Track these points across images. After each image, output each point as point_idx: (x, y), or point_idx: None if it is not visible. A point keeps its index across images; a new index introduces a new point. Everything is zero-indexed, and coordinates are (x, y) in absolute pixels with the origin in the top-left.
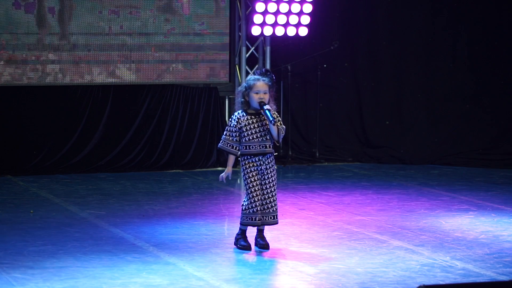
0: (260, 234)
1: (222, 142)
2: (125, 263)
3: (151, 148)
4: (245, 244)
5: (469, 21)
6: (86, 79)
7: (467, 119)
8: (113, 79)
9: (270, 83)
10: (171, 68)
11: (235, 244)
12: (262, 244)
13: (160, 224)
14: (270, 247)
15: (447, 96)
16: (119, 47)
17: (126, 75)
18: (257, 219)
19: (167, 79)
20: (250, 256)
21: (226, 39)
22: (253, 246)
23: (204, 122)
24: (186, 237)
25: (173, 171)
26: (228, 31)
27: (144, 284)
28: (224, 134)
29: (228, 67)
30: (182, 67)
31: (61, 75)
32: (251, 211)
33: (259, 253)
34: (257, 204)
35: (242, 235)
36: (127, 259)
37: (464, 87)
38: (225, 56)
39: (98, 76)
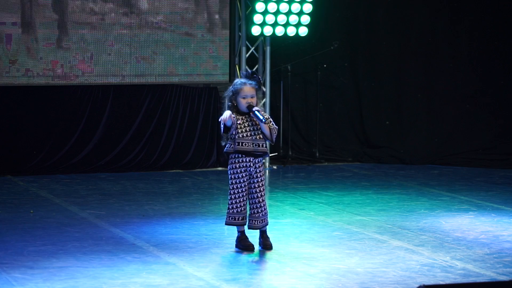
0: (263, 235)
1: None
2: (125, 263)
3: (151, 148)
4: (247, 244)
5: (469, 21)
6: (49, 74)
7: (467, 119)
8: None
9: (257, 86)
10: (130, 63)
11: (236, 246)
12: (266, 244)
13: (160, 224)
14: None
15: (447, 96)
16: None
17: (92, 70)
18: (240, 219)
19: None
20: (250, 256)
21: (223, 39)
22: (255, 246)
23: (204, 122)
24: (186, 237)
25: (173, 171)
26: (225, 31)
27: (144, 284)
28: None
29: (228, 67)
30: (142, 60)
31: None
32: (234, 211)
33: (259, 253)
34: (241, 205)
35: (242, 235)
36: (127, 259)
37: (464, 87)
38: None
39: (65, 72)
